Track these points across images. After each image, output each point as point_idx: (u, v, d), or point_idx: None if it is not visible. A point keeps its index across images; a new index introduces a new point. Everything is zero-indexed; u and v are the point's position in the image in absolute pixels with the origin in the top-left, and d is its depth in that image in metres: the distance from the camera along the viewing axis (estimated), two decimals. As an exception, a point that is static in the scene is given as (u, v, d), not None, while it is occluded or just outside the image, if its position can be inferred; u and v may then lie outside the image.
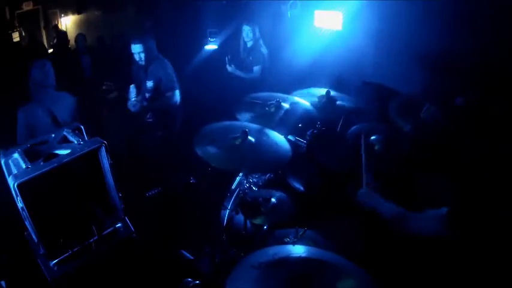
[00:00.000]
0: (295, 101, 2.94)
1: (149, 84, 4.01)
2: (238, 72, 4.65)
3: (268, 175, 2.86)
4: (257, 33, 4.59)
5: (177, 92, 4.15)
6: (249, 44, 4.65)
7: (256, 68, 4.59)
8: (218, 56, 5.29)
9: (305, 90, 3.25)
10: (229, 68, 4.65)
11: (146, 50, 3.90)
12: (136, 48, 3.87)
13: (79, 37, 5.99)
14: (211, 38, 5.79)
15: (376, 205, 1.89)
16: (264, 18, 5.09)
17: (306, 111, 2.86)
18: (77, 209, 2.07)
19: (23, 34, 8.53)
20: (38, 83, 3.04)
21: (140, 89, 4.05)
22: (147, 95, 4.03)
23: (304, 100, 2.96)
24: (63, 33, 7.92)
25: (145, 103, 4.04)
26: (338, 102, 3.03)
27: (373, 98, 3.69)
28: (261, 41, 4.64)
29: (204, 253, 2.87)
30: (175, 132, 4.36)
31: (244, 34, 4.62)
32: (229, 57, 4.68)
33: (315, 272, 1.51)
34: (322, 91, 3.09)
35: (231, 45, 5.32)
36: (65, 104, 3.19)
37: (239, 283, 1.46)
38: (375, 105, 3.35)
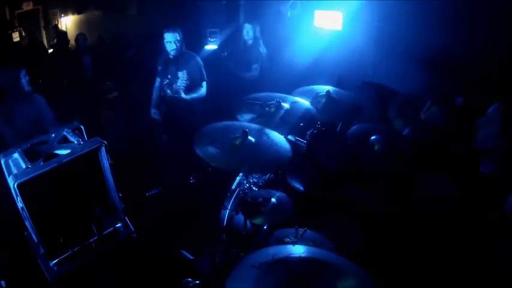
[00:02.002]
0: (295, 100, 2.94)
1: (182, 74, 3.99)
2: (236, 70, 4.64)
3: (268, 175, 2.86)
4: (257, 33, 4.59)
5: (205, 84, 4.15)
6: (249, 43, 4.64)
7: (254, 67, 4.59)
8: (217, 56, 5.29)
9: (307, 88, 3.26)
10: (228, 65, 4.64)
11: (181, 39, 3.91)
12: (173, 37, 3.84)
13: (79, 37, 5.97)
14: (211, 38, 5.77)
15: None
16: (264, 18, 5.09)
17: (307, 111, 2.86)
18: (76, 208, 2.07)
19: (23, 34, 8.54)
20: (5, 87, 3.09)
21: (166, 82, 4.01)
22: (182, 86, 4.01)
23: (304, 99, 2.96)
24: (63, 33, 7.91)
25: (180, 93, 3.98)
26: (338, 103, 3.03)
27: (373, 98, 3.69)
28: (260, 41, 4.64)
29: (204, 253, 2.87)
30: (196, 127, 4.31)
31: (244, 32, 4.60)
32: (225, 53, 4.66)
33: (315, 272, 1.51)
34: (324, 88, 3.09)
35: (230, 43, 5.32)
36: (31, 109, 3.12)
37: (239, 283, 1.46)
38: (375, 105, 3.34)
